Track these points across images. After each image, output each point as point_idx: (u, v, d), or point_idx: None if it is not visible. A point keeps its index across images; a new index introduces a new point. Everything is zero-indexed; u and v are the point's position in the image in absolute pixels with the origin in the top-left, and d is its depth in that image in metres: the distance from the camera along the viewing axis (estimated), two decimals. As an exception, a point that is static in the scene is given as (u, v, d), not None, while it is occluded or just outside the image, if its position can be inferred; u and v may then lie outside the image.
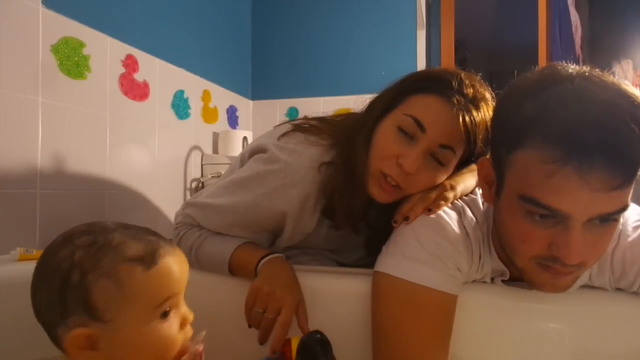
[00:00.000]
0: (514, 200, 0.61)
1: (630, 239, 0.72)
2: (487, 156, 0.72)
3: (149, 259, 0.54)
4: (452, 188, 0.78)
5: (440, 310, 0.72)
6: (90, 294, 0.51)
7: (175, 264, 0.56)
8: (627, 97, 0.56)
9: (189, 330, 0.58)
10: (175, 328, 0.56)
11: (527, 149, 0.58)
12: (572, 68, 0.61)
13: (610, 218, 0.58)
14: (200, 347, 0.57)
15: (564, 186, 0.56)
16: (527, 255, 0.63)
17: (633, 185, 0.57)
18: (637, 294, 0.74)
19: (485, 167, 0.70)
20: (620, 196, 0.56)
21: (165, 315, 0.55)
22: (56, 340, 0.54)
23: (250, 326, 0.80)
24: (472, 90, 0.77)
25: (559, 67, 0.61)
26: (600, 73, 0.60)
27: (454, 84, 0.76)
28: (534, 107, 0.58)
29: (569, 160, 0.54)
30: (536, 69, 0.65)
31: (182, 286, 0.57)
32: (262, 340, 0.77)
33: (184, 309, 0.58)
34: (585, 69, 0.60)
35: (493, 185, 0.68)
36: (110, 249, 0.53)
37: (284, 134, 0.90)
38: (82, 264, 0.52)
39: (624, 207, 0.58)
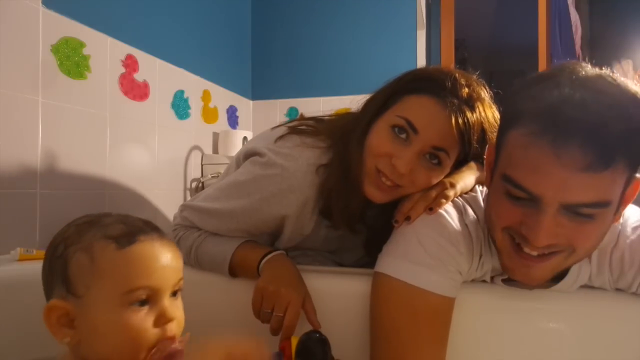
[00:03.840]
0: (499, 181, 0.64)
1: (629, 239, 0.72)
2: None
3: (125, 239, 0.53)
4: (452, 186, 0.78)
5: (438, 314, 0.72)
6: (68, 266, 0.52)
7: (156, 253, 0.54)
8: (625, 91, 0.57)
9: (169, 330, 0.54)
10: (148, 322, 0.53)
11: (519, 127, 0.60)
12: (591, 68, 0.61)
13: (586, 213, 0.58)
14: (177, 347, 0.54)
15: (537, 161, 0.57)
16: (499, 226, 0.65)
17: (615, 181, 0.56)
18: (637, 294, 0.74)
19: (490, 153, 0.70)
20: (595, 185, 0.56)
21: (140, 305, 0.53)
22: None
23: (263, 322, 0.80)
24: (467, 91, 0.77)
25: (577, 65, 0.62)
26: (617, 76, 0.60)
27: (448, 84, 0.76)
28: (535, 91, 0.60)
29: (544, 133, 0.56)
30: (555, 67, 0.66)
31: (163, 281, 0.54)
32: (275, 334, 0.78)
33: (165, 306, 0.54)
34: (604, 70, 0.61)
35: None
36: (95, 226, 0.54)
37: (280, 137, 0.89)
38: (68, 238, 0.54)
39: (601, 202, 0.57)
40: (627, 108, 0.55)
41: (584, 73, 0.59)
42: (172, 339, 0.54)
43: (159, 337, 0.53)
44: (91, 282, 0.52)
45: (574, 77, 0.59)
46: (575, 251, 0.63)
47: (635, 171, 0.59)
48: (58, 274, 0.53)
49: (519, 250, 0.64)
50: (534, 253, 0.63)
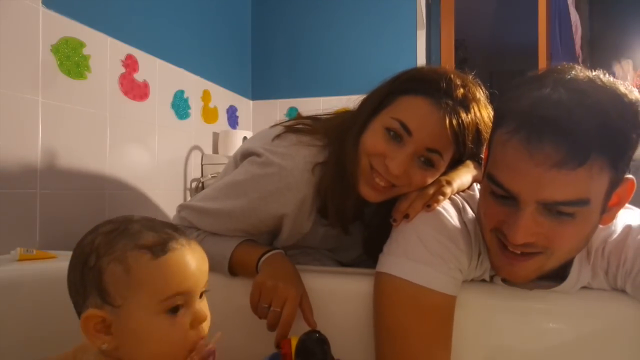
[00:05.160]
0: (485, 178, 0.65)
1: (614, 236, 0.72)
2: None
3: (159, 249, 0.54)
4: (449, 183, 0.78)
5: (443, 313, 0.72)
6: (103, 276, 0.53)
7: (188, 259, 0.56)
8: (611, 91, 0.57)
9: (203, 330, 0.57)
10: (185, 326, 0.55)
11: (502, 127, 0.62)
12: (583, 70, 0.61)
13: (565, 212, 0.58)
14: (212, 347, 0.56)
15: (512, 159, 0.58)
16: (488, 227, 0.66)
17: (592, 178, 0.56)
18: (625, 291, 0.74)
19: (485, 153, 0.71)
20: (571, 182, 0.56)
21: (174, 311, 0.54)
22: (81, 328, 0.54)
23: (260, 318, 0.80)
24: (462, 91, 0.77)
25: (567, 67, 0.62)
26: (609, 80, 0.60)
27: (442, 85, 0.76)
28: (519, 92, 0.61)
29: (519, 131, 0.58)
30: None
31: (195, 285, 0.56)
32: (272, 329, 0.78)
33: (198, 308, 0.56)
34: (597, 73, 0.61)
35: None
36: (125, 235, 0.54)
37: (277, 136, 0.90)
38: (99, 248, 0.54)
39: (579, 200, 0.57)
40: (606, 107, 0.55)
41: (571, 74, 0.60)
42: (204, 338, 0.57)
43: (195, 338, 0.55)
44: (128, 293, 0.52)
45: (558, 78, 0.59)
46: (554, 253, 0.63)
47: (618, 170, 0.59)
48: (92, 284, 0.53)
49: (504, 249, 0.65)
50: (517, 251, 0.63)
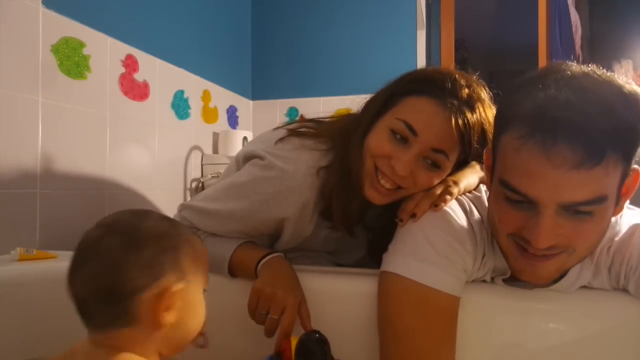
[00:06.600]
0: (497, 185, 0.64)
1: (619, 235, 0.72)
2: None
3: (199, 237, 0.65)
4: (456, 184, 0.78)
5: (449, 313, 0.72)
6: (181, 255, 0.59)
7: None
8: (611, 86, 0.57)
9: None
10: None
11: (510, 131, 0.61)
12: (577, 66, 0.61)
13: (584, 211, 0.58)
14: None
15: (528, 164, 0.58)
16: (504, 232, 0.66)
17: (609, 174, 0.56)
18: (627, 289, 0.74)
19: (487, 157, 0.71)
20: (589, 181, 0.56)
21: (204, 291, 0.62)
22: (129, 310, 0.54)
23: (258, 323, 0.80)
24: (467, 91, 0.77)
25: (563, 65, 0.62)
26: (604, 73, 0.60)
27: (447, 85, 0.76)
28: (522, 94, 0.61)
29: (532, 135, 0.57)
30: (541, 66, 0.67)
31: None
32: (270, 335, 0.78)
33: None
34: (591, 68, 0.61)
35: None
36: (176, 222, 0.63)
37: (280, 140, 0.89)
38: (169, 232, 0.60)
39: (598, 198, 0.57)
40: (612, 103, 0.56)
41: (569, 72, 0.60)
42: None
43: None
44: (197, 270, 0.60)
45: (559, 77, 0.59)
46: (576, 251, 0.63)
47: (630, 162, 0.59)
48: (170, 263, 0.57)
49: (524, 252, 0.64)
50: (538, 253, 0.63)
